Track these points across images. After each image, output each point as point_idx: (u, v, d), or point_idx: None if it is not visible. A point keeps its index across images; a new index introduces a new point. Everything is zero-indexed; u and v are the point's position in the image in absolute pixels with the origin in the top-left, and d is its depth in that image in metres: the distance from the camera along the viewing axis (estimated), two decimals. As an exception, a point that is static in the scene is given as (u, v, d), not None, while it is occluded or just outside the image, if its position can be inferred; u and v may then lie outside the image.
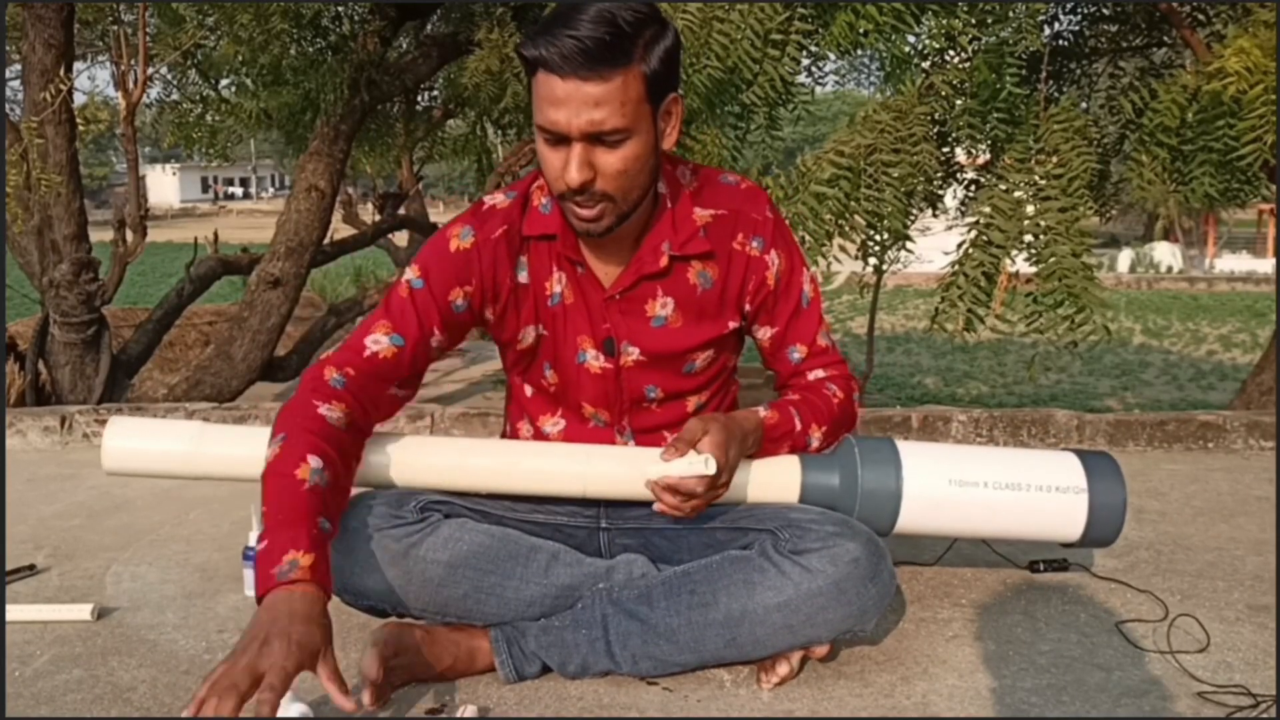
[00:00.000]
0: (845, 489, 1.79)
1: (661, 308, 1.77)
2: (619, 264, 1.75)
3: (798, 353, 1.86)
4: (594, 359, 1.79)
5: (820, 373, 1.87)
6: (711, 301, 1.78)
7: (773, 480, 1.79)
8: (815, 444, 1.82)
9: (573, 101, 1.52)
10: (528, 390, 1.91)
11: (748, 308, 1.82)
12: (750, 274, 1.79)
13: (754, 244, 1.77)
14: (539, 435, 1.90)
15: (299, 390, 1.67)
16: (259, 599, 1.43)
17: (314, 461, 1.54)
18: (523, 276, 1.77)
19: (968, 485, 1.82)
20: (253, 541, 2.13)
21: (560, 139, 1.56)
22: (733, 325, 1.82)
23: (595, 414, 1.85)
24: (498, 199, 1.79)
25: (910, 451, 1.84)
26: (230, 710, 1.27)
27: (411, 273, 1.76)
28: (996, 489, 1.82)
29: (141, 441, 1.80)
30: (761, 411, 1.78)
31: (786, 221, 1.90)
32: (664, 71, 1.57)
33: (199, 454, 1.79)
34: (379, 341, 1.71)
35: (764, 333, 1.85)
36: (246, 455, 1.75)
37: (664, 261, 1.73)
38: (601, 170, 1.57)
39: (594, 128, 1.53)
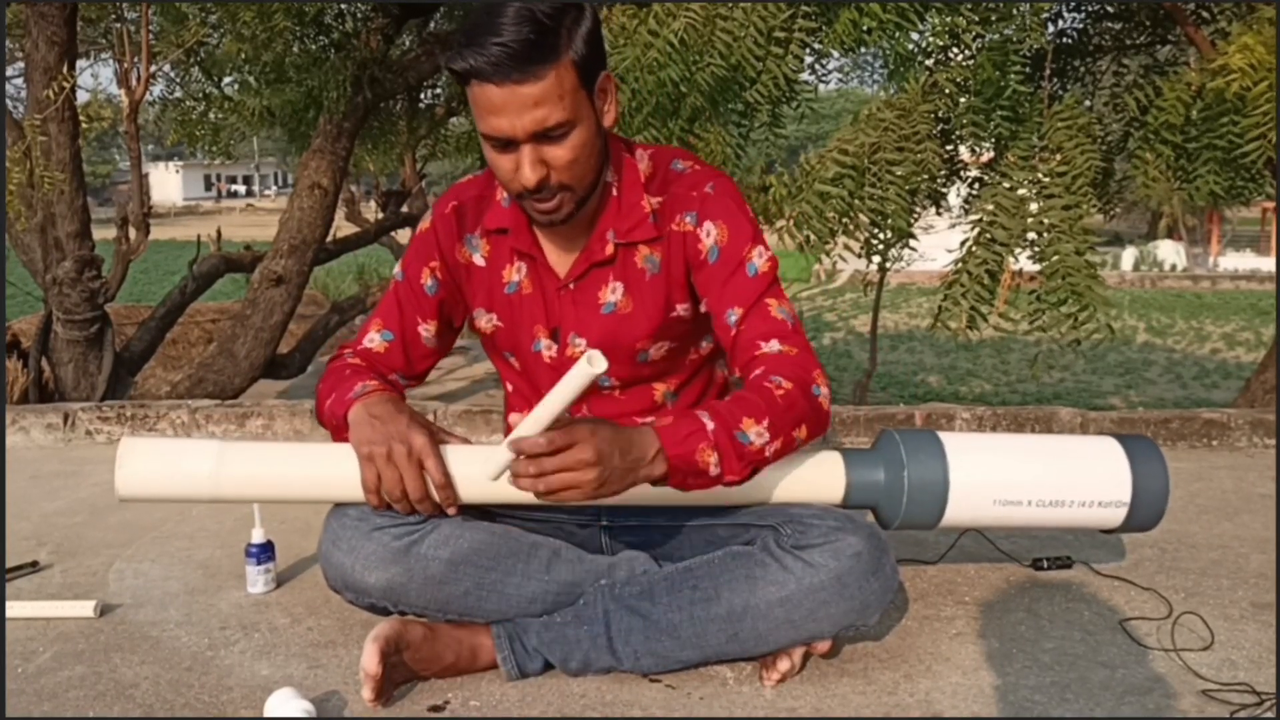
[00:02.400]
0: (891, 488, 1.79)
1: (611, 293, 1.78)
2: (572, 252, 1.77)
3: (734, 315, 1.70)
4: (546, 349, 1.82)
5: (774, 344, 1.67)
6: (659, 286, 1.77)
7: (816, 478, 1.78)
8: (754, 439, 1.55)
9: (512, 106, 1.53)
10: (509, 386, 1.96)
11: (693, 282, 1.78)
12: (686, 250, 1.76)
13: (687, 220, 1.74)
14: None
15: (325, 374, 1.83)
16: (344, 420, 1.67)
17: (352, 370, 1.79)
18: (477, 259, 1.82)
19: (1011, 504, 1.81)
20: (255, 539, 2.14)
21: (507, 143, 1.58)
22: (681, 309, 1.78)
23: None
24: (466, 178, 1.87)
25: (955, 454, 1.80)
26: (418, 471, 1.61)
27: (398, 267, 1.88)
28: (1040, 506, 1.82)
29: (159, 465, 1.69)
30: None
31: (745, 200, 1.83)
32: (590, 54, 1.58)
33: (221, 476, 1.68)
34: (373, 339, 1.85)
35: (704, 305, 1.77)
36: (272, 476, 1.71)
37: (610, 249, 1.74)
38: (553, 164, 1.59)
39: (538, 126, 1.55)
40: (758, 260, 1.72)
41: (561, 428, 1.47)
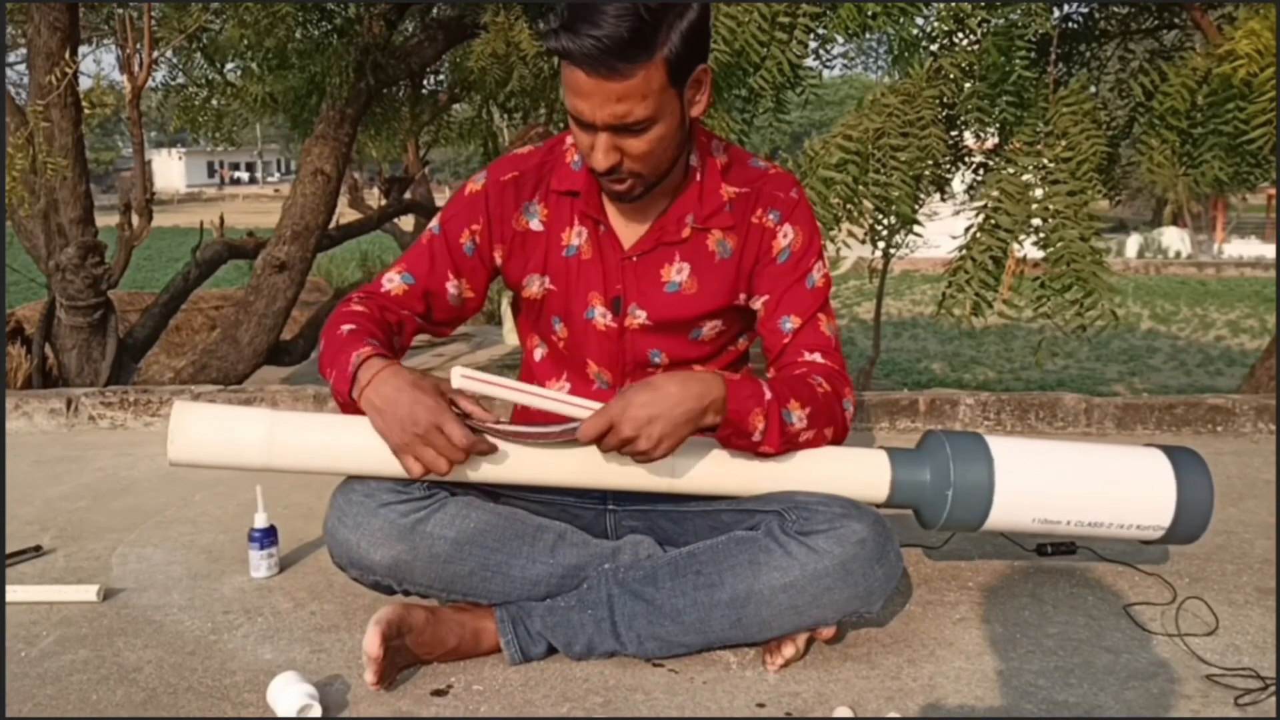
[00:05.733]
0: (936, 490, 1.78)
1: (677, 273, 1.78)
2: (641, 225, 1.78)
3: (790, 322, 1.79)
4: (601, 316, 1.81)
5: (818, 356, 1.78)
6: (727, 271, 1.79)
7: (861, 475, 1.78)
8: (796, 421, 1.68)
9: (596, 96, 1.55)
10: (537, 354, 1.93)
11: (754, 274, 1.81)
12: (761, 244, 1.79)
13: (770, 217, 1.78)
14: None
15: (328, 322, 1.78)
16: (349, 400, 1.64)
17: (351, 323, 1.72)
18: (534, 224, 1.81)
19: (1051, 522, 1.81)
20: (258, 523, 2.14)
21: (587, 125, 1.59)
22: (743, 297, 1.81)
23: (599, 374, 1.85)
24: (524, 149, 1.86)
25: (1001, 460, 1.78)
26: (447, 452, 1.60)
27: (435, 221, 1.86)
28: (1079, 527, 1.82)
29: (212, 432, 1.68)
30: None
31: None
32: (687, 51, 1.57)
33: (274, 445, 1.67)
34: (392, 280, 1.83)
35: (759, 302, 1.81)
36: (324, 446, 1.70)
37: (686, 233, 1.76)
38: (628, 152, 1.61)
39: (618, 120, 1.57)
40: (817, 274, 1.81)
41: (595, 413, 1.58)
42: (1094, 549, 2.24)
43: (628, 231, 1.79)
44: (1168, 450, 1.86)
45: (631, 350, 1.82)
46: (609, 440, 1.58)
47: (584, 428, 1.58)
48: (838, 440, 1.78)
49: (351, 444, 1.69)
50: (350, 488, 1.71)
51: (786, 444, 1.69)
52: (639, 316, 1.80)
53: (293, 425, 1.71)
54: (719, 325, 1.83)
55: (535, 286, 1.84)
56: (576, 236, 1.80)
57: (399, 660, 1.67)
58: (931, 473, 1.78)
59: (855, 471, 1.78)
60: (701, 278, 1.79)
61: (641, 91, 1.54)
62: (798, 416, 1.68)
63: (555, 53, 1.56)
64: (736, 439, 1.67)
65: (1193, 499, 1.82)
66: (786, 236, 1.78)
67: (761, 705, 1.62)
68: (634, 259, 1.78)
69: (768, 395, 1.66)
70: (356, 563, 1.71)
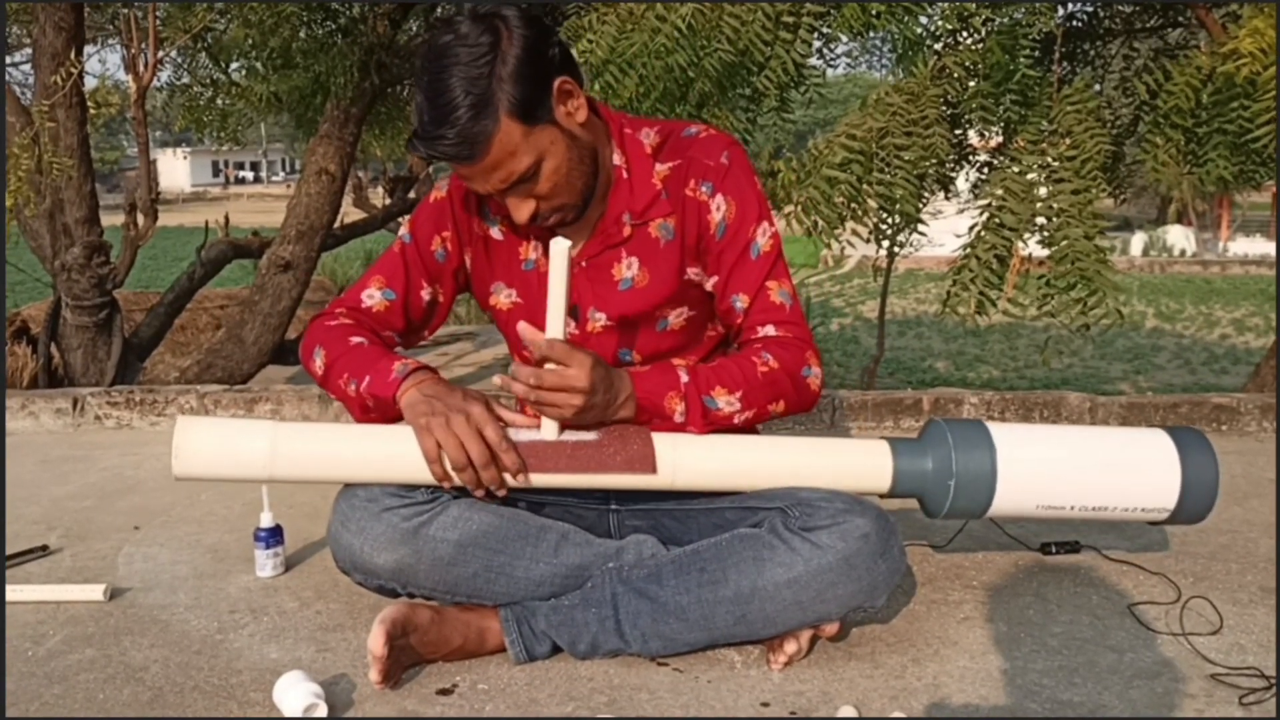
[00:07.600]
0: (938, 478, 1.78)
1: (627, 269, 1.80)
2: (586, 232, 1.80)
3: (740, 301, 1.78)
4: (566, 325, 1.80)
5: (771, 329, 1.77)
6: (674, 251, 1.80)
7: (863, 466, 1.78)
8: (724, 406, 1.70)
9: (475, 176, 1.63)
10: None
11: (701, 252, 1.81)
12: (699, 218, 1.78)
13: (703, 189, 1.77)
14: None
15: (310, 327, 1.84)
16: (391, 401, 1.66)
17: (359, 336, 1.77)
18: (495, 232, 1.85)
19: (1054, 509, 1.81)
20: (263, 523, 2.14)
21: (488, 195, 1.69)
22: (692, 273, 1.81)
23: None
24: None
25: (1004, 448, 1.77)
26: (479, 436, 1.60)
27: (404, 229, 1.90)
28: (1083, 511, 1.82)
29: (216, 445, 1.69)
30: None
31: (756, 173, 1.84)
32: (527, 89, 1.58)
33: (277, 456, 1.67)
34: (372, 296, 1.86)
35: (711, 283, 1.82)
36: (328, 456, 1.70)
37: (627, 231, 1.78)
38: (539, 195, 1.66)
39: (505, 183, 1.63)
40: (761, 239, 1.78)
41: (568, 346, 1.61)
42: (1099, 548, 2.24)
43: (576, 240, 1.79)
44: (1171, 430, 1.86)
45: (599, 354, 1.80)
46: (550, 377, 1.59)
47: (552, 344, 1.60)
48: (797, 408, 1.78)
49: (357, 453, 1.70)
50: (353, 492, 1.72)
51: (713, 426, 1.71)
52: (599, 319, 1.81)
53: (297, 436, 1.71)
54: (684, 311, 1.84)
55: (503, 297, 1.87)
56: (533, 250, 1.83)
57: (404, 659, 1.68)
58: (934, 461, 1.77)
59: (858, 462, 1.78)
60: (651, 266, 1.79)
61: (508, 150, 1.59)
62: (725, 401, 1.70)
63: (424, 159, 1.62)
64: (660, 422, 1.70)
65: (1198, 477, 1.81)
66: (720, 209, 1.76)
67: (766, 704, 1.62)
68: (584, 264, 1.80)
69: (683, 380, 1.69)
70: (360, 567, 1.71)
